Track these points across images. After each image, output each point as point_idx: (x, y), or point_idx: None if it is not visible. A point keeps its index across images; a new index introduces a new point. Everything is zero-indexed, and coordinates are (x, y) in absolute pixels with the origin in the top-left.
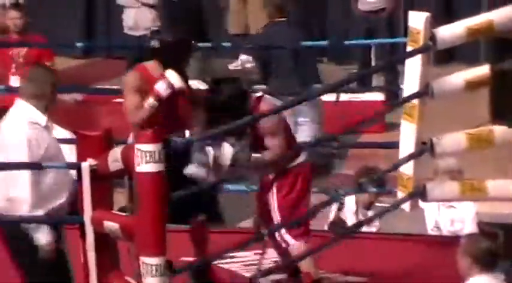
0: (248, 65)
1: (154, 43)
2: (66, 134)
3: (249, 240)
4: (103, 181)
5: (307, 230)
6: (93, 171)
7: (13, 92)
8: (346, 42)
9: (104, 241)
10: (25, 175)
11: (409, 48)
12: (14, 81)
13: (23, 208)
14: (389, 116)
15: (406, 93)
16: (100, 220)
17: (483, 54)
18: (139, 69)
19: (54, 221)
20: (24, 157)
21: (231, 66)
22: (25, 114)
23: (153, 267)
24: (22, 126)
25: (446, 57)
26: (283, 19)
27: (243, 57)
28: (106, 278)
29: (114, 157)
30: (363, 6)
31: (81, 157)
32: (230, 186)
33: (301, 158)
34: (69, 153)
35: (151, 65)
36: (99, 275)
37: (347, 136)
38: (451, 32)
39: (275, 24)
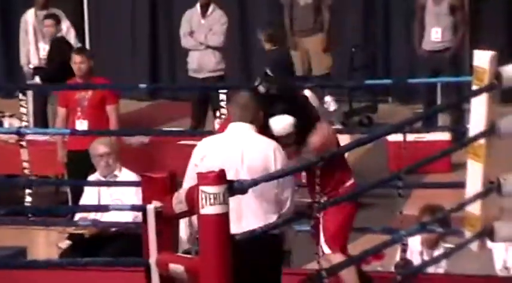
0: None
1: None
2: (132, 176)
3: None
4: (168, 223)
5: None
6: (158, 213)
7: (78, 134)
8: (410, 81)
9: None
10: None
11: (474, 87)
12: (79, 125)
13: None
14: (455, 156)
15: (472, 132)
16: (165, 263)
17: None
18: None
19: (119, 263)
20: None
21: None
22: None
23: None
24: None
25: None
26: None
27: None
28: None
29: (179, 199)
30: (426, 46)
31: (147, 199)
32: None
33: (352, 180)
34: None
35: None
36: None
37: (412, 176)
38: None
39: None
